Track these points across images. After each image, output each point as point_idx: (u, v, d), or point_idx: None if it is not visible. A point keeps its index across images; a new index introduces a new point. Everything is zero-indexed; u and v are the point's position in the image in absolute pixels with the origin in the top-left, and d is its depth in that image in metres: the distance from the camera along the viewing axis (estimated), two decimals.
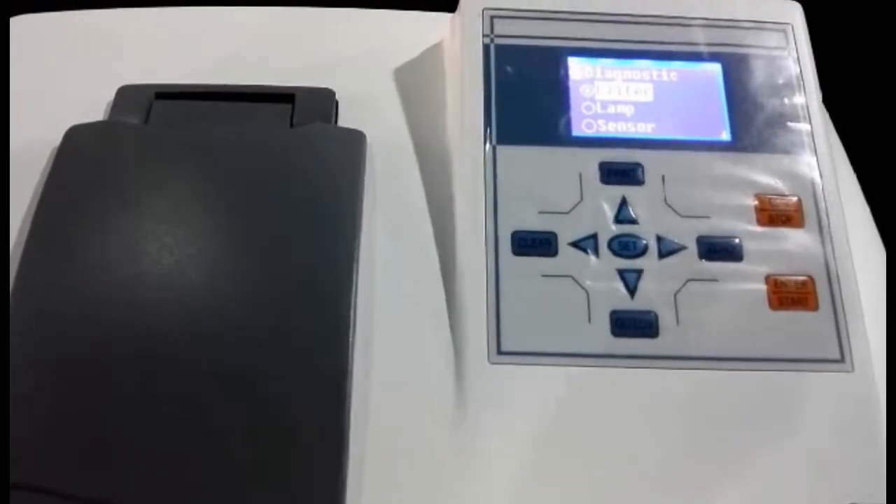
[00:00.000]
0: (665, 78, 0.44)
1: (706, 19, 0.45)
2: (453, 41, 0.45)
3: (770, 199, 0.41)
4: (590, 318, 0.38)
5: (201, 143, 0.41)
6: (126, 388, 0.35)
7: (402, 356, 0.38)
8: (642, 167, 0.41)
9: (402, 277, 0.40)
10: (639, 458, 0.36)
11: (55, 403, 0.34)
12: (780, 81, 0.44)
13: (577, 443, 0.36)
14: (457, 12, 0.45)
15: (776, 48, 0.44)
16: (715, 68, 0.44)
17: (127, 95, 0.43)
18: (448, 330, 0.39)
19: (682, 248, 0.40)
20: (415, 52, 0.47)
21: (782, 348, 0.38)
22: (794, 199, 0.41)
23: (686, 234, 0.40)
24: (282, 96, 0.43)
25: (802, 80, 0.44)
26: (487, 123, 0.42)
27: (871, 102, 0.59)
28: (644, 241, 0.40)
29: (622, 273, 0.39)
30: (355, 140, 0.42)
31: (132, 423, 0.34)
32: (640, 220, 0.40)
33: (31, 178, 0.41)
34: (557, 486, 0.36)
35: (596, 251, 0.40)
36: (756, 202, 0.41)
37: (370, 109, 0.44)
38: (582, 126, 0.42)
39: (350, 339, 0.36)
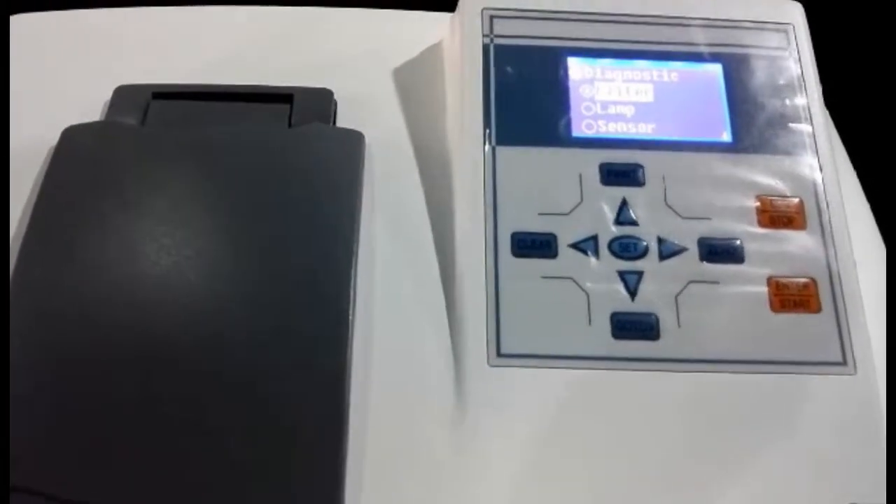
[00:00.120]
0: (665, 78, 0.44)
1: (707, 19, 0.45)
2: (453, 41, 0.45)
3: (771, 200, 0.41)
4: (590, 320, 0.38)
5: (198, 144, 0.41)
6: (123, 389, 0.35)
7: (402, 358, 0.38)
8: (643, 168, 0.41)
9: (402, 278, 0.40)
10: (639, 460, 0.36)
11: (54, 404, 0.34)
12: (782, 82, 0.44)
13: (578, 445, 0.36)
14: (456, 12, 0.45)
15: (777, 48, 0.44)
16: (716, 69, 0.44)
17: (124, 95, 0.43)
18: (447, 332, 0.39)
19: (682, 249, 0.40)
20: (414, 52, 0.47)
21: (784, 351, 0.38)
22: (796, 200, 0.41)
23: (687, 235, 0.40)
24: (280, 96, 0.43)
25: (804, 80, 0.44)
26: (487, 124, 0.42)
27: (872, 103, 0.59)
28: (645, 243, 0.40)
29: (623, 275, 0.39)
30: (354, 140, 0.42)
31: (130, 424, 0.34)
32: (640, 222, 0.40)
33: (28, 178, 0.41)
34: (557, 489, 0.36)
35: (596, 253, 0.39)
36: (757, 203, 0.41)
37: (369, 110, 0.44)
38: (582, 127, 0.42)
39: (349, 340, 0.36)
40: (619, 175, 0.41)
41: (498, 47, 0.43)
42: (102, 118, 0.43)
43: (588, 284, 0.39)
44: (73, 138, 0.41)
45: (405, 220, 0.42)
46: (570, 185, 0.41)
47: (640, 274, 0.39)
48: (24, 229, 0.38)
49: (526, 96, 0.42)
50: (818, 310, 0.39)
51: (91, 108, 0.43)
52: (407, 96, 0.45)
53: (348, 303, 0.37)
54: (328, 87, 0.44)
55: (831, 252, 0.40)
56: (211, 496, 0.33)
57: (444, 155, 0.43)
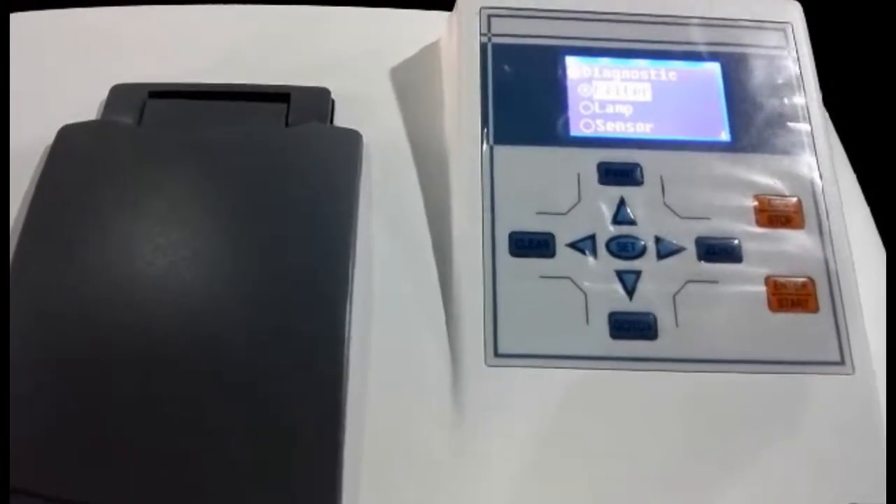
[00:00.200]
0: (664, 77, 0.43)
1: (705, 18, 0.45)
2: (450, 40, 0.45)
3: (770, 199, 0.41)
4: (588, 320, 0.38)
5: (195, 143, 0.41)
6: (121, 390, 0.35)
7: (399, 357, 0.38)
8: (641, 168, 0.41)
9: (399, 278, 0.40)
10: (638, 460, 0.36)
11: (53, 405, 0.34)
12: (780, 81, 0.44)
13: (576, 445, 0.36)
14: (454, 11, 0.45)
15: (776, 48, 0.44)
16: (714, 68, 0.44)
17: (120, 94, 0.43)
18: (445, 331, 0.38)
19: (681, 249, 0.39)
20: (412, 51, 0.47)
21: (782, 350, 0.38)
22: (794, 199, 0.41)
23: (685, 235, 0.40)
24: (277, 96, 0.43)
25: (802, 79, 0.44)
26: (484, 123, 0.42)
27: (871, 102, 0.59)
28: (643, 242, 0.40)
29: (621, 274, 0.39)
30: (351, 140, 0.42)
31: (128, 424, 0.34)
32: (638, 221, 0.40)
33: (23, 178, 0.41)
34: (556, 489, 0.36)
35: (594, 252, 0.39)
36: (755, 203, 0.41)
37: (366, 109, 0.44)
38: (580, 126, 0.42)
39: (346, 340, 0.36)
40: (617, 174, 0.41)
41: (496, 46, 0.43)
42: (98, 117, 0.42)
43: (586, 284, 0.39)
44: (69, 137, 0.41)
45: (403, 220, 0.42)
46: (567, 184, 0.41)
47: (638, 273, 0.39)
48: (19, 229, 0.38)
49: (524, 95, 0.42)
50: (816, 309, 0.39)
51: (87, 107, 0.43)
52: (404, 95, 0.45)
53: (346, 303, 0.37)
54: (325, 86, 0.44)
55: (829, 251, 0.40)
56: (208, 497, 0.33)
57: (441, 154, 0.43)
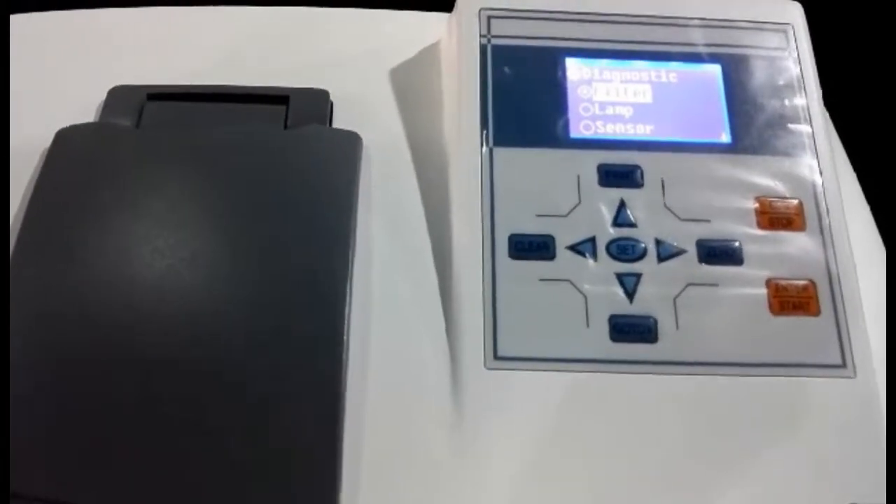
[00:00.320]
0: (664, 79, 0.43)
1: (705, 19, 0.45)
2: (450, 41, 0.45)
3: (770, 201, 0.41)
4: (588, 323, 0.38)
5: (193, 145, 0.41)
6: (120, 392, 0.35)
7: (399, 360, 0.38)
8: (641, 169, 0.41)
9: (399, 280, 0.40)
10: (638, 464, 0.36)
11: (51, 409, 0.34)
12: (781, 82, 0.43)
13: (576, 449, 0.36)
14: (453, 12, 0.45)
15: (776, 49, 0.44)
16: (714, 69, 0.44)
17: (118, 96, 0.43)
18: (444, 334, 0.38)
19: (681, 251, 0.39)
20: (411, 53, 0.47)
21: (783, 354, 0.38)
22: (795, 201, 0.41)
23: (685, 237, 0.40)
24: (276, 97, 0.43)
25: (803, 80, 0.44)
26: (484, 125, 0.41)
27: (872, 103, 0.59)
28: (643, 245, 0.39)
29: (621, 277, 0.39)
30: (350, 142, 0.42)
31: (128, 426, 0.34)
32: (638, 224, 0.40)
33: (21, 180, 0.41)
34: (556, 492, 0.36)
35: (594, 255, 0.39)
36: (756, 205, 0.40)
37: (366, 111, 0.44)
38: (580, 128, 0.42)
39: (345, 341, 0.36)
40: (618, 176, 0.41)
41: (495, 48, 0.43)
42: (97, 119, 0.42)
43: (586, 286, 0.39)
44: (67, 140, 0.40)
45: (402, 222, 0.41)
46: (567, 186, 0.40)
47: (638, 276, 0.39)
48: (17, 231, 0.38)
49: (523, 97, 0.42)
50: (817, 312, 0.38)
51: (85, 109, 0.43)
52: (404, 97, 0.45)
53: (345, 304, 0.37)
54: (324, 87, 0.44)
55: (831, 254, 0.40)
56: (208, 498, 0.33)
57: (441, 156, 0.43)
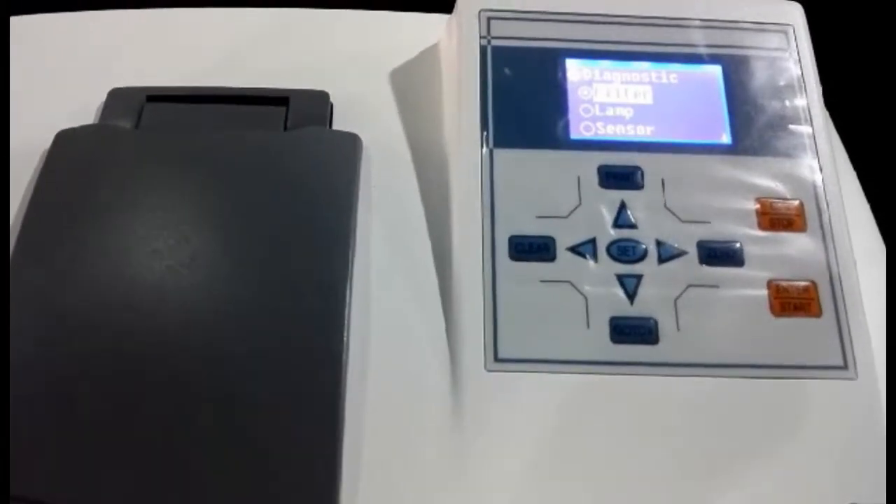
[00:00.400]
0: (664, 80, 0.43)
1: (706, 20, 0.45)
2: (450, 43, 0.45)
3: (771, 202, 0.41)
4: (588, 325, 0.38)
5: (193, 147, 0.41)
6: (118, 394, 0.35)
7: (399, 362, 0.38)
8: (641, 171, 0.41)
9: (399, 282, 0.40)
10: (639, 466, 0.36)
11: (50, 412, 0.34)
12: (781, 83, 0.43)
13: (576, 451, 0.36)
14: (453, 14, 0.45)
15: (777, 49, 0.44)
16: (715, 70, 0.43)
17: (118, 98, 0.43)
18: (445, 336, 0.38)
19: (682, 253, 0.39)
20: (411, 54, 0.47)
21: (784, 355, 0.38)
22: (796, 202, 0.41)
23: (686, 238, 0.40)
24: (276, 99, 0.43)
25: (804, 81, 0.43)
26: (484, 126, 0.41)
27: (872, 104, 0.59)
28: (643, 246, 0.39)
29: (621, 278, 0.39)
30: (350, 143, 0.42)
31: (127, 428, 0.34)
32: (639, 225, 0.40)
33: (21, 182, 0.41)
34: (556, 495, 0.36)
35: (595, 256, 0.39)
36: (757, 206, 0.40)
37: (365, 112, 0.44)
38: (580, 129, 0.42)
39: (345, 343, 0.36)
40: (618, 178, 0.41)
41: (495, 49, 0.43)
42: (96, 121, 0.42)
43: (586, 288, 0.38)
44: (67, 141, 0.40)
45: (402, 224, 0.41)
46: (568, 187, 0.40)
47: (638, 277, 0.39)
48: (16, 233, 0.38)
49: (523, 98, 0.42)
50: (819, 313, 0.38)
51: (85, 110, 0.43)
52: (404, 98, 0.45)
53: (345, 306, 0.37)
54: (324, 89, 0.44)
55: (832, 254, 0.40)
56: (207, 501, 0.33)
57: (441, 158, 0.43)
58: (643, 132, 0.42)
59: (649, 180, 0.41)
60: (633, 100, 0.43)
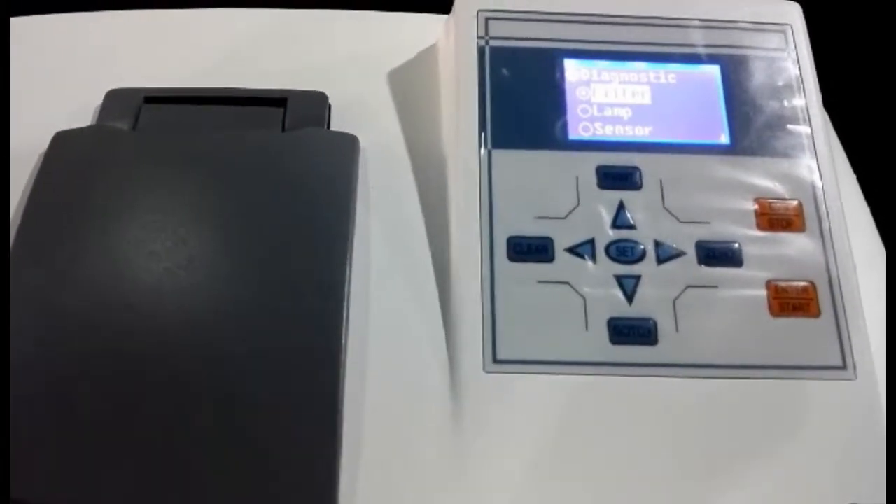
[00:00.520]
0: (663, 80, 0.43)
1: (704, 20, 0.45)
2: (448, 43, 0.45)
3: (770, 203, 0.40)
4: (587, 326, 0.38)
5: (191, 148, 0.41)
6: (117, 395, 0.35)
7: (398, 363, 0.38)
8: (640, 171, 0.41)
9: (397, 283, 0.40)
10: (638, 467, 0.36)
11: (49, 414, 0.34)
12: (780, 83, 0.43)
13: (575, 452, 0.36)
14: (451, 14, 0.45)
15: (775, 49, 0.44)
16: (713, 70, 0.43)
17: (115, 99, 0.43)
18: (443, 337, 0.38)
19: (680, 253, 0.39)
20: (409, 55, 0.47)
21: (783, 356, 0.38)
22: (795, 202, 0.41)
23: (685, 239, 0.40)
24: (273, 100, 0.43)
25: (802, 81, 0.43)
26: (482, 127, 0.41)
27: (871, 104, 0.59)
28: (642, 247, 0.39)
29: (620, 279, 0.39)
30: (348, 144, 0.42)
31: (126, 429, 0.34)
32: (637, 225, 0.40)
33: (18, 183, 0.41)
34: (555, 496, 0.36)
35: (593, 257, 0.39)
36: (756, 206, 0.40)
37: (363, 113, 0.44)
38: (578, 129, 0.42)
39: (343, 344, 0.36)
40: (616, 178, 0.41)
41: (493, 49, 0.43)
42: (94, 122, 0.42)
43: (585, 289, 0.38)
44: (64, 143, 0.40)
45: (400, 224, 0.41)
46: (566, 188, 0.40)
47: (637, 278, 0.39)
48: (13, 235, 0.38)
49: (522, 99, 0.42)
50: (818, 314, 0.38)
51: (83, 112, 0.43)
52: (402, 99, 0.45)
53: (343, 307, 0.37)
54: (322, 90, 0.44)
55: (831, 255, 0.39)
56: (207, 501, 0.33)
57: (439, 158, 0.42)
58: (641, 132, 0.42)
59: (648, 181, 0.41)
60: (632, 100, 0.43)
